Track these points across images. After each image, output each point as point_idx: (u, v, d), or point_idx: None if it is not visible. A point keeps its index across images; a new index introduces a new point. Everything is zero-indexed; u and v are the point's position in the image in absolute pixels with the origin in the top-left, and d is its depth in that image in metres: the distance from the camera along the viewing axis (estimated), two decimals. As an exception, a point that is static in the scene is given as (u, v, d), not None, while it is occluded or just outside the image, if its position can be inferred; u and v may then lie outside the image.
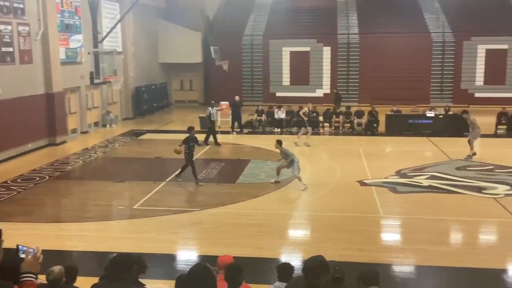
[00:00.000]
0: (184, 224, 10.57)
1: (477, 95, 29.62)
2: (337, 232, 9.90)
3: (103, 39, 23.35)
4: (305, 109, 19.30)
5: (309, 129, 19.15)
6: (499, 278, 7.90)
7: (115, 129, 23.44)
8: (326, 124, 22.61)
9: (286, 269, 4.90)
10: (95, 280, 4.18)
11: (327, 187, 13.21)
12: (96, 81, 22.82)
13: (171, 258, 8.94)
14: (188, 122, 25.57)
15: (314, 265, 3.78)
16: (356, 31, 31.40)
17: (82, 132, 21.97)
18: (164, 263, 8.59)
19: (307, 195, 12.57)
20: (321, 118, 22.66)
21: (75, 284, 5.22)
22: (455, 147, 18.13)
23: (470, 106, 27.97)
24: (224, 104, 23.06)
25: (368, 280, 4.28)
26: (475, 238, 10.07)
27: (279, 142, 13.52)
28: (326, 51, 31.00)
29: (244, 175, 14.63)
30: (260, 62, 31.72)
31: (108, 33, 23.40)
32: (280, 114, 22.64)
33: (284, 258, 8.44)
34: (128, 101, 26.59)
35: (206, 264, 3.61)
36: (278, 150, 13.59)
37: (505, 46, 29.40)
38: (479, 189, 12.84)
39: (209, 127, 19.45)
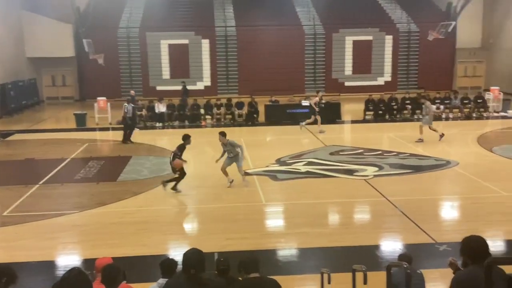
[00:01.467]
0: (62, 228, 10.01)
1: (347, 84, 31.65)
2: (221, 223, 10.04)
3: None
4: (317, 98, 19.80)
5: (319, 117, 19.54)
6: (372, 254, 8.55)
7: (-21, 130, 21.43)
8: (208, 116, 22.72)
9: (168, 264, 4.87)
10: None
11: (210, 179, 13.30)
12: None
13: (48, 265, 8.42)
14: (62, 119, 24.23)
15: (190, 258, 3.80)
16: (233, 24, 31.84)
17: None
18: (41, 271, 8.08)
19: (191, 188, 12.55)
20: (202, 111, 22.73)
21: None
22: (329, 134, 19.23)
23: (341, 94, 29.89)
24: (102, 100, 22.17)
25: (248, 268, 4.39)
26: (350, 218, 10.80)
27: (223, 134, 12.59)
28: (205, 44, 31.07)
29: (125, 172, 14.22)
30: (138, 55, 30.89)
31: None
32: (161, 107, 22.28)
33: (169, 254, 8.37)
34: (-8, 99, 24.43)
35: (80, 269, 3.46)
36: (220, 143, 12.62)
37: (370, 38, 31.70)
38: (351, 172, 13.78)
39: (127, 124, 18.59)
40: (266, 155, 15.77)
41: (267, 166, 14.53)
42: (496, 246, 8.58)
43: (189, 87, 28.57)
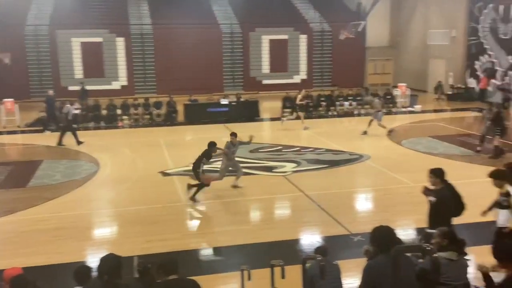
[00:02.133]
0: (-33, 240, 9.35)
1: (264, 82, 32.14)
2: (140, 225, 9.84)
3: None
4: (300, 96, 20.21)
5: (301, 114, 20.08)
6: (291, 248, 8.76)
7: None
8: (125, 117, 22.16)
9: (82, 272, 4.70)
10: None
11: (128, 181, 13.00)
12: None
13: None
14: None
15: (104, 264, 3.71)
16: (148, 22, 31.22)
17: None
18: None
19: (108, 191, 12.20)
20: (119, 111, 22.13)
21: None
22: (248, 131, 19.32)
23: (260, 92, 30.30)
24: (9, 101, 20.88)
25: (167, 270, 4.36)
26: (270, 214, 11.00)
27: (236, 135, 12.15)
28: (120, 42, 30.21)
29: (36, 177, 13.51)
30: (48, 54, 29.40)
31: None
32: (73, 110, 21.33)
33: (86, 261, 8.08)
34: None
35: None
36: (226, 145, 12.05)
37: (285, 37, 32.39)
38: (270, 169, 14.05)
39: (63, 126, 17.62)
40: (186, 155, 15.59)
41: (187, 166, 14.39)
42: (406, 234, 9.10)
43: (104, 87, 27.70)
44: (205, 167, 11.52)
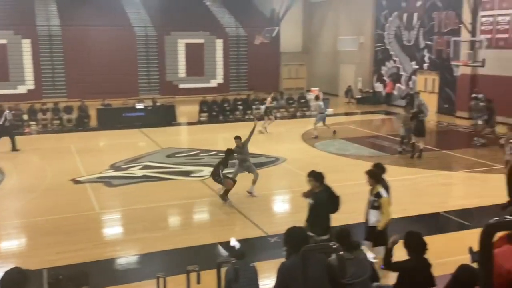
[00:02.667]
0: None
1: (181, 86, 31.86)
2: (51, 236, 9.38)
3: None
4: (269, 99, 20.63)
5: (272, 117, 20.33)
6: (208, 253, 8.75)
7: None
8: (32, 123, 21.03)
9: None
10: None
11: (37, 190, 12.35)
12: None
13: None
14: None
15: (6, 279, 3.50)
16: (57, 23, 29.85)
17: None
18: None
19: (15, 202, 11.51)
20: (25, 116, 20.96)
21: None
22: (165, 136, 19.20)
23: (176, 96, 30.01)
24: None
25: (77, 282, 4.21)
26: (187, 219, 10.93)
27: (239, 138, 12.08)
28: (26, 44, 28.58)
29: None
30: None
31: None
32: (9, 115, 19.94)
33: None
34: None
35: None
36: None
37: (201, 41, 32.33)
38: (188, 173, 13.96)
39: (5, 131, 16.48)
40: (100, 161, 15.15)
41: (100, 173, 13.96)
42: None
43: (9, 91, 26.10)
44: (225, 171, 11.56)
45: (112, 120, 21.50)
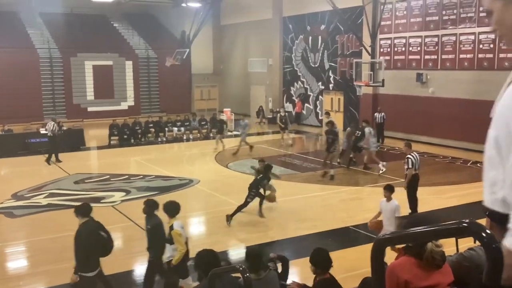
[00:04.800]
0: None
1: (90, 109, 30.81)
2: None
3: None
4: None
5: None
6: (121, 280, 8.45)
7: None
8: None
9: None
10: None
11: None
12: None
13: None
14: None
15: None
16: (-50, 44, 27.84)
17: None
18: None
19: None
20: None
21: None
22: (72, 162, 18.39)
23: (84, 120, 28.95)
24: None
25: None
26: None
27: (263, 161, 12.77)
28: None
29: None
30: None
31: None
32: None
33: None
34: None
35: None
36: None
37: (110, 63, 31.58)
38: (98, 199, 13.44)
39: None
40: (0, 191, 14.17)
41: (1, 203, 13.07)
42: (234, 255, 9.45)
43: None
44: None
45: (14, 146, 20.23)
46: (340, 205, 12.93)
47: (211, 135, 24.87)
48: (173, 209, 7.25)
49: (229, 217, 11.29)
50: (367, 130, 16.82)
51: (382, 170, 16.04)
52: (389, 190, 8.55)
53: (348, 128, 18.17)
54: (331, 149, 15.84)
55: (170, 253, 7.07)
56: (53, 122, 18.58)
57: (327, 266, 5.03)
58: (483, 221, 1.63)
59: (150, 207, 7.49)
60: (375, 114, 22.29)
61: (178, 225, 7.06)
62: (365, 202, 13.98)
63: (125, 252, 10.03)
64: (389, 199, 8.54)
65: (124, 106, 31.84)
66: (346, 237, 10.75)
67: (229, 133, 25.37)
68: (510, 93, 1.62)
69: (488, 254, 1.32)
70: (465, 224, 1.41)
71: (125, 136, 22.96)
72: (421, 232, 1.47)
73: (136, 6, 33.48)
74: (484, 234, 1.33)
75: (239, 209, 11.38)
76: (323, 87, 27.74)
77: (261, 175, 11.83)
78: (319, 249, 5.20)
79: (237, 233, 10.94)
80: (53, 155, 18.28)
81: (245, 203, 11.42)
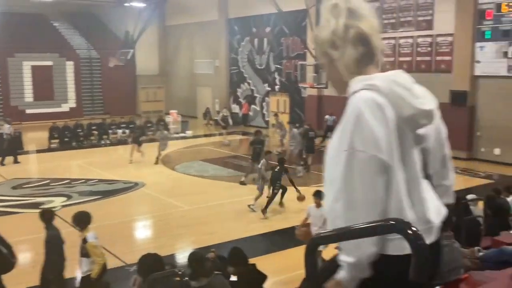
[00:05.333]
0: None
1: (28, 111, 29.65)
2: None
3: None
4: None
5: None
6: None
7: None
8: None
9: None
10: None
11: None
12: None
13: None
14: None
15: None
16: None
17: None
18: None
19: None
20: None
21: None
22: (10, 166, 17.65)
23: (23, 122, 27.82)
24: None
25: None
26: (37, 255, 10.07)
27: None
28: None
29: None
30: None
31: None
32: None
33: None
34: None
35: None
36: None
37: (49, 63, 30.52)
38: (37, 205, 12.94)
39: None
40: None
41: None
42: (180, 258, 9.36)
43: None
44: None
45: None
46: (290, 205, 13.05)
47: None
48: (84, 220, 6.84)
49: (264, 211, 11.78)
50: (295, 130, 17.42)
51: (300, 173, 16.17)
52: (319, 196, 8.21)
53: (301, 128, 18.31)
54: (258, 159, 14.93)
55: (87, 267, 6.73)
56: (8, 125, 18.52)
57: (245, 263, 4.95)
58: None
59: (45, 216, 7.09)
60: (326, 116, 22.44)
61: (92, 237, 6.72)
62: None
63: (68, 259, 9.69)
64: (318, 205, 8.29)
65: (65, 108, 30.86)
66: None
67: (176, 135, 25.11)
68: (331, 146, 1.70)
69: (414, 250, 1.38)
70: (392, 222, 1.47)
71: (66, 139, 22.27)
72: (355, 229, 1.53)
73: (77, 5, 32.51)
74: (409, 232, 1.38)
75: (270, 201, 11.97)
76: (269, 89, 27.98)
77: (278, 167, 12.28)
78: (236, 247, 5.19)
79: (184, 236, 10.85)
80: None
81: (274, 195, 12.06)
